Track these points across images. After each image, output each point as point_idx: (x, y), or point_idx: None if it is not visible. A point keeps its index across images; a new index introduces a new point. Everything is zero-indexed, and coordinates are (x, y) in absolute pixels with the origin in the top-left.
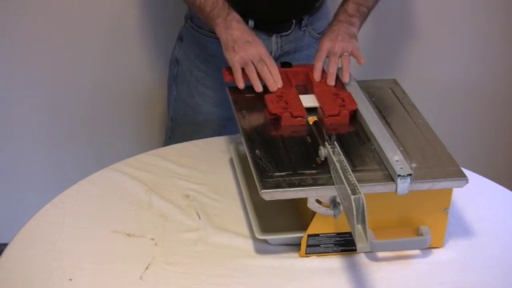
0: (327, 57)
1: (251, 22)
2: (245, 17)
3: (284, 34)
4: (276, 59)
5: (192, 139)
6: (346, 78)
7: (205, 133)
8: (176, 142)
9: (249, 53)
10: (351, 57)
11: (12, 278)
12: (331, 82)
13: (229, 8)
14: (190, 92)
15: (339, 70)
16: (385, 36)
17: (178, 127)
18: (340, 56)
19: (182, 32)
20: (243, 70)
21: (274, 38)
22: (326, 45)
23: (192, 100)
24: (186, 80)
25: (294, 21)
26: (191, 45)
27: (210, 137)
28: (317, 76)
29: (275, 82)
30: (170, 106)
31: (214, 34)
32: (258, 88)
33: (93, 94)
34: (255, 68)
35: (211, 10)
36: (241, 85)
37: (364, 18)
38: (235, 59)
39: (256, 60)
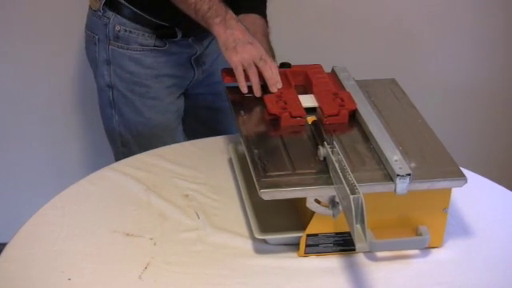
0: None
1: (179, 33)
2: (172, 28)
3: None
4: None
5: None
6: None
7: (162, 142)
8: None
9: (251, 54)
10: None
11: (11, 278)
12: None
13: (226, 6)
14: (137, 110)
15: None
16: (384, 36)
17: (134, 147)
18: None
19: (104, 56)
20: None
21: (189, 41)
22: (234, 60)
23: (142, 117)
24: (128, 100)
25: None
26: (123, 64)
27: (167, 142)
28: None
29: (276, 82)
30: (116, 133)
31: (146, 46)
32: (258, 93)
33: (93, 93)
34: (256, 68)
35: (208, 8)
36: (245, 90)
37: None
38: (237, 60)
39: (257, 60)
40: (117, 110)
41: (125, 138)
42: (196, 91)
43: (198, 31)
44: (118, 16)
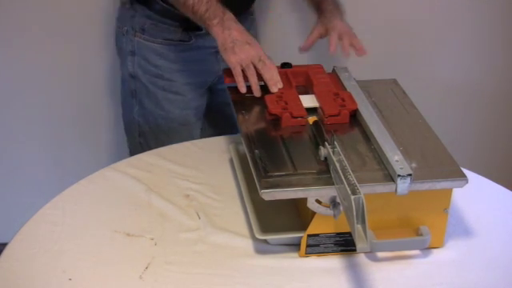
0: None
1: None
2: None
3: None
4: None
5: (165, 146)
6: (363, 51)
7: (179, 137)
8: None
9: (249, 54)
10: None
11: (12, 278)
12: (363, 51)
13: (223, 7)
14: (158, 102)
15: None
16: (385, 36)
17: (151, 139)
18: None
19: (130, 47)
20: (243, 72)
21: None
22: (336, 26)
23: (162, 109)
24: (150, 92)
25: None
26: (147, 57)
27: (184, 138)
28: (333, 48)
29: (276, 82)
30: (135, 123)
31: (171, 40)
32: (257, 93)
33: (93, 93)
34: (255, 69)
35: (206, 9)
36: (243, 90)
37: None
38: (235, 61)
39: (256, 61)
40: (138, 100)
41: (142, 129)
42: (220, 87)
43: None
44: (145, 8)
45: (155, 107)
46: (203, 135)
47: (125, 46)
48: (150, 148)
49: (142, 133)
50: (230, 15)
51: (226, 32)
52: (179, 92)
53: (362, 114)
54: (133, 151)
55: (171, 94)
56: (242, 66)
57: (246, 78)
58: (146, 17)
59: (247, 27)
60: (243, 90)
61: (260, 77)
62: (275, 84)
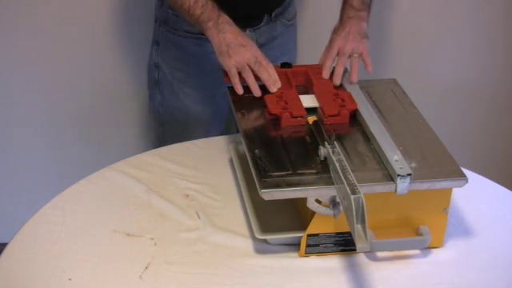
0: (337, 55)
1: None
2: None
3: (257, 27)
4: None
5: (182, 140)
6: (354, 78)
7: (194, 132)
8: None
9: (244, 56)
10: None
11: (12, 278)
12: (337, 81)
13: (219, 10)
14: (174, 94)
15: (346, 70)
16: (385, 36)
17: (168, 131)
18: (349, 56)
19: (156, 36)
20: (240, 73)
21: (247, 32)
22: (338, 44)
23: (178, 102)
24: (169, 83)
25: (265, 14)
26: (169, 48)
27: (199, 135)
28: (325, 74)
29: (274, 82)
30: (156, 112)
31: (191, 33)
32: (257, 93)
33: (93, 93)
34: (252, 71)
35: (201, 13)
36: (240, 91)
37: (369, 8)
38: (231, 64)
39: (252, 63)
40: (160, 89)
41: (162, 119)
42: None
43: (248, 21)
44: None
45: (173, 99)
46: None
47: (153, 35)
48: (166, 140)
49: (162, 123)
50: (225, 18)
51: (221, 35)
52: (195, 86)
53: (361, 113)
54: (154, 142)
55: (187, 87)
56: (237, 68)
57: (244, 80)
58: (168, 8)
59: (278, 34)
60: (240, 91)
61: (258, 78)
62: (274, 84)
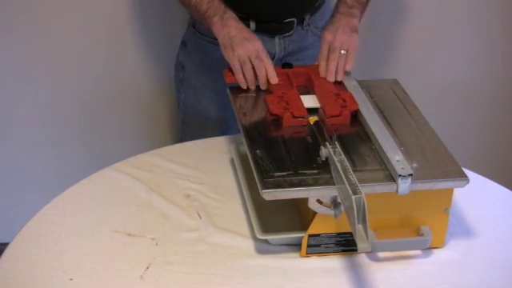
0: (328, 51)
1: (253, 24)
2: (246, 19)
3: (287, 34)
4: (280, 60)
5: None
6: (340, 77)
7: (213, 134)
8: None
9: (246, 49)
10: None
11: (13, 278)
12: (330, 78)
13: (225, 6)
14: (196, 96)
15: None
16: (385, 36)
17: (189, 129)
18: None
19: (185, 37)
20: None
21: (276, 39)
22: (327, 38)
23: (199, 104)
24: (193, 85)
25: (295, 21)
26: (195, 50)
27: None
28: (321, 73)
29: (266, 82)
30: (180, 109)
31: (217, 39)
32: (262, 86)
33: (93, 93)
34: (252, 65)
35: (207, 8)
36: (244, 85)
37: (364, 7)
38: (234, 57)
39: (253, 57)
40: (184, 89)
41: (184, 117)
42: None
43: (277, 27)
44: None
45: (194, 100)
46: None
47: (183, 36)
48: (186, 138)
49: (184, 121)
50: (230, 14)
51: (225, 29)
52: (217, 91)
53: (362, 114)
54: (177, 138)
55: (209, 91)
56: (240, 61)
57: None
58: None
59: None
60: (244, 85)
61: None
62: (265, 82)
